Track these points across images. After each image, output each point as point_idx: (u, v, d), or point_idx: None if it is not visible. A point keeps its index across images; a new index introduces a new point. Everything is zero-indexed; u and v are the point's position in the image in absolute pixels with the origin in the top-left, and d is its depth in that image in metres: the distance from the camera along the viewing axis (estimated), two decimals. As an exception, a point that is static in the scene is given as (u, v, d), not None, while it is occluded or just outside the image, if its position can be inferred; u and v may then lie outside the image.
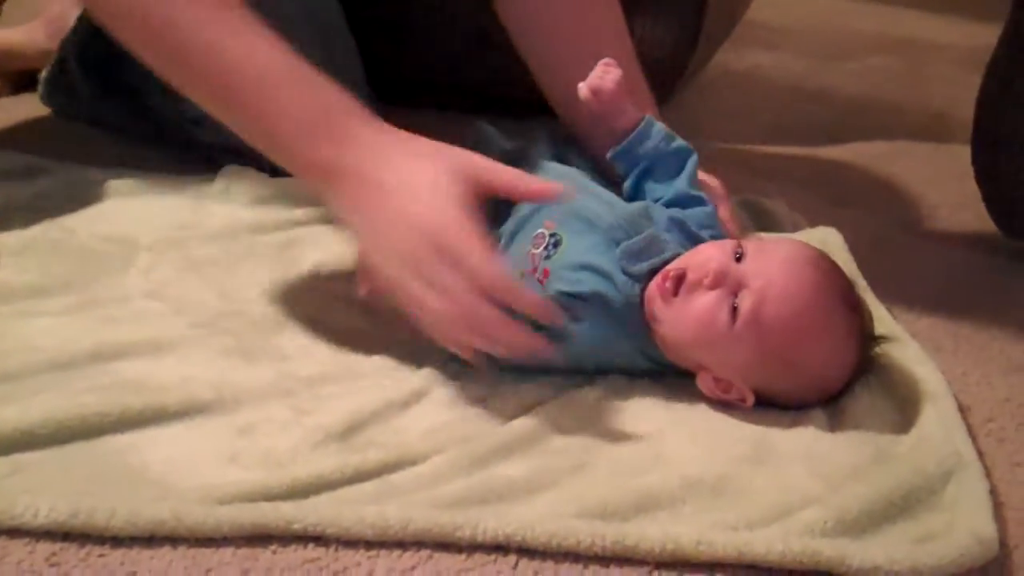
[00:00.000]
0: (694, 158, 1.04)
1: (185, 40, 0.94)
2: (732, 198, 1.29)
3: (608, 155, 1.05)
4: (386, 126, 0.95)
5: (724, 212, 1.06)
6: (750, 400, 0.93)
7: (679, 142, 1.05)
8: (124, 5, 0.97)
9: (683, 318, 0.92)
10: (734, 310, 0.90)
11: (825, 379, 0.94)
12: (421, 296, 0.88)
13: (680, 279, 0.92)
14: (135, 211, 1.24)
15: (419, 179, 0.90)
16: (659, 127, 1.05)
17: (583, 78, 1.03)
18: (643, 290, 0.94)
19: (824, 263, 0.95)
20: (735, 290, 0.91)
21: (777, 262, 0.92)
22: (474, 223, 0.88)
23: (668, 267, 0.94)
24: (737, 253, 0.93)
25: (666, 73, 1.57)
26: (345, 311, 1.06)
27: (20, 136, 1.48)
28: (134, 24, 0.97)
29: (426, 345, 0.95)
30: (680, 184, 1.03)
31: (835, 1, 2.54)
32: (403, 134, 0.95)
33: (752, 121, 1.73)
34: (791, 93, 1.91)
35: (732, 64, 1.97)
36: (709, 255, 0.93)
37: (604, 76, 1.01)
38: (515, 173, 0.94)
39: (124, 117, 1.48)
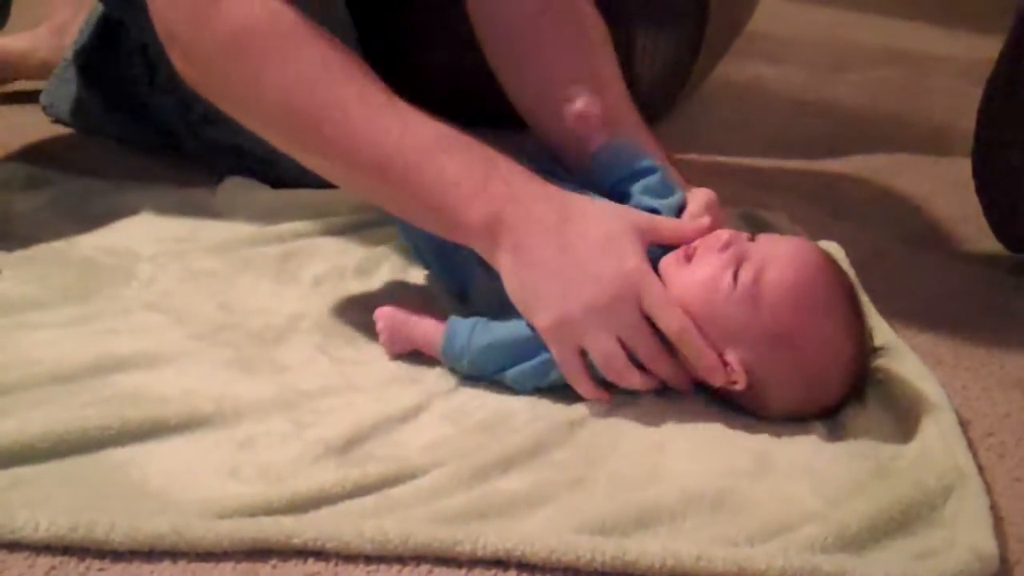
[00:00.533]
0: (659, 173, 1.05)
1: (336, 124, 0.93)
2: (732, 210, 1.30)
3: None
4: (541, 179, 0.97)
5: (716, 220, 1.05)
6: (742, 382, 0.93)
7: (648, 160, 1.05)
8: (267, 92, 0.94)
9: (691, 281, 0.93)
10: (736, 276, 0.92)
11: (822, 379, 0.93)
12: (604, 337, 0.92)
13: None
14: (136, 223, 1.25)
15: (600, 231, 0.94)
16: (623, 145, 1.06)
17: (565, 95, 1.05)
18: None
19: (832, 260, 0.96)
20: (741, 260, 0.92)
21: (786, 244, 0.96)
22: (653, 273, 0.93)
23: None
24: (749, 237, 0.95)
25: (668, 84, 1.58)
26: (345, 323, 1.06)
27: (22, 147, 1.48)
28: (277, 112, 0.95)
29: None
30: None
31: (836, 13, 2.54)
32: (556, 187, 0.97)
33: (753, 133, 1.73)
34: (792, 105, 1.91)
35: (733, 76, 1.97)
36: (723, 230, 0.96)
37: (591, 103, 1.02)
38: (674, 222, 0.99)
39: (126, 125, 1.48)
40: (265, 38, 0.93)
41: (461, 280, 1.06)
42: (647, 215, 0.98)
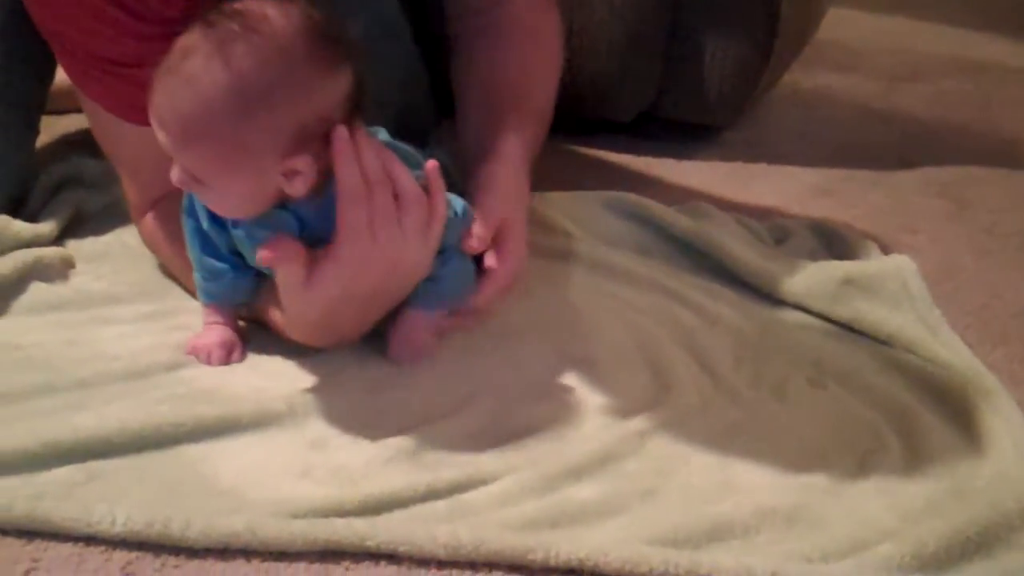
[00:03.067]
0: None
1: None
2: (802, 221, 1.29)
3: None
4: None
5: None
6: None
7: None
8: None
9: None
10: None
11: None
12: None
13: None
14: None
15: None
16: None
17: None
18: None
19: None
20: None
21: None
22: None
23: None
24: None
25: (736, 93, 1.57)
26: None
27: (92, 143, 1.50)
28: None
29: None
30: None
31: (905, 22, 2.51)
32: None
33: (821, 142, 1.71)
34: (860, 114, 1.89)
35: (801, 83, 1.95)
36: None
37: None
38: None
39: None
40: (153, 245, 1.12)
41: None
42: None
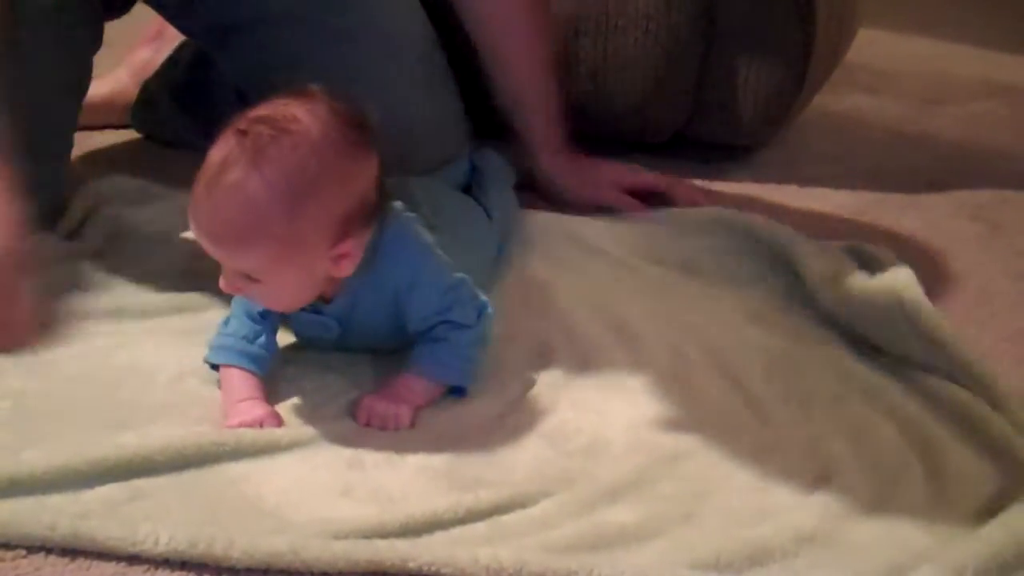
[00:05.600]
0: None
1: None
2: (836, 243, 1.29)
3: None
4: None
5: None
6: None
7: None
8: None
9: None
10: None
11: None
12: None
13: None
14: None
15: None
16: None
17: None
18: None
19: None
20: None
21: None
22: None
23: None
24: None
25: (770, 116, 1.57)
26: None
27: (128, 160, 1.51)
28: None
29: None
30: None
31: (935, 44, 2.50)
32: None
33: (852, 165, 1.71)
34: (891, 137, 1.88)
35: (831, 105, 1.95)
36: None
37: None
38: None
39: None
40: None
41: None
42: None
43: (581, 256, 1.27)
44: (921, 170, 1.71)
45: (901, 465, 0.93)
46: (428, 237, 1.00)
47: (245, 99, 1.41)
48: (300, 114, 0.89)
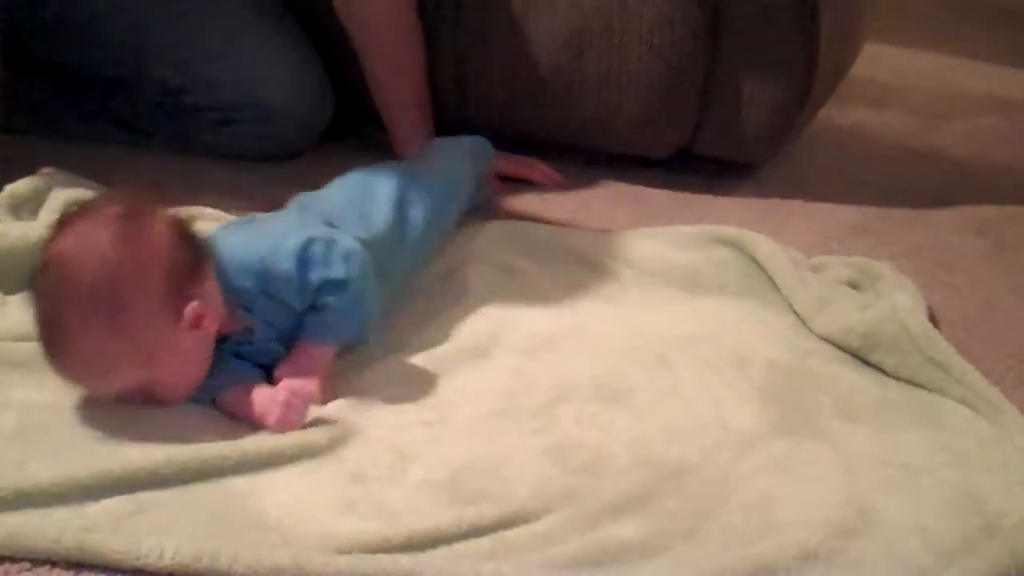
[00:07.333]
0: None
1: None
2: (839, 259, 1.30)
3: None
4: None
5: None
6: None
7: None
8: None
9: None
10: None
11: None
12: None
13: None
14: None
15: None
16: None
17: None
18: None
19: None
20: None
21: None
22: None
23: None
24: None
25: (773, 132, 1.57)
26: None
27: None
28: None
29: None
30: None
31: (940, 58, 2.51)
32: None
33: (857, 179, 1.71)
34: (896, 152, 1.89)
35: (836, 120, 1.95)
36: None
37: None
38: None
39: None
40: None
41: None
42: None
43: (590, 276, 1.28)
44: (927, 185, 1.71)
45: (904, 483, 0.93)
46: (249, 230, 1.05)
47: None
48: (73, 240, 0.90)
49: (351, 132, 1.57)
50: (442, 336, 1.11)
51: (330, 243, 1.00)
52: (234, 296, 0.98)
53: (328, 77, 1.56)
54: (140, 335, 0.90)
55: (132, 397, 0.93)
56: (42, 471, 0.83)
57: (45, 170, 1.29)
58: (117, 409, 0.93)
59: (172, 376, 0.94)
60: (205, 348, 0.96)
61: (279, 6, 1.57)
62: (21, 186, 1.25)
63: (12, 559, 0.77)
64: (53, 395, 0.94)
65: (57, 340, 0.89)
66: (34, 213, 1.15)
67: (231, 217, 1.24)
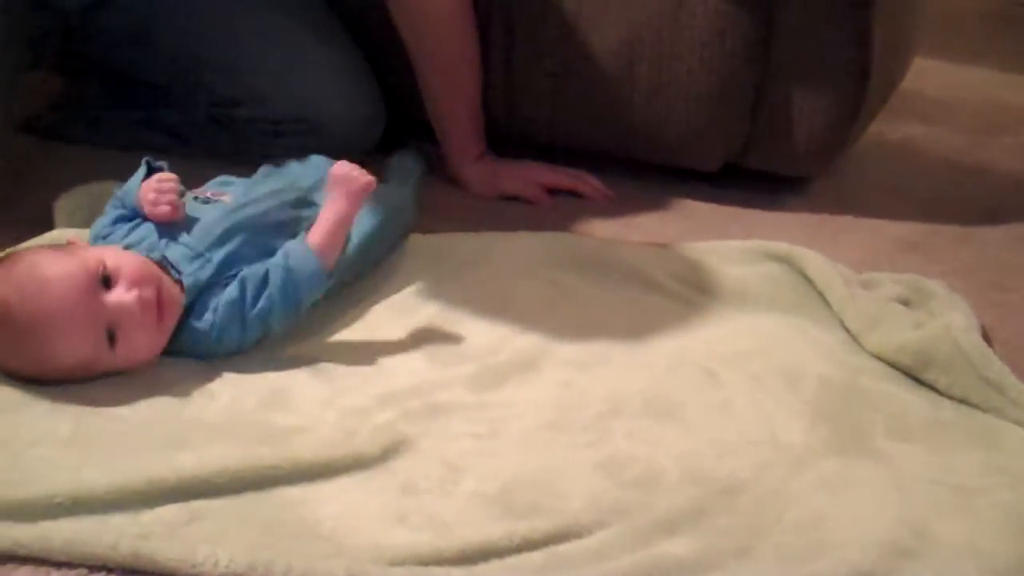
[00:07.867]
0: None
1: None
2: (890, 275, 1.29)
3: None
4: None
5: None
6: None
7: None
8: None
9: None
10: None
11: None
12: None
13: None
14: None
15: None
16: None
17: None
18: None
19: None
20: None
21: None
22: None
23: None
24: None
25: (825, 147, 1.56)
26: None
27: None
28: None
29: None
30: None
31: (989, 73, 2.48)
32: None
33: (907, 195, 1.70)
34: (946, 167, 1.87)
35: (886, 134, 1.93)
36: None
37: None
38: None
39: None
40: None
41: None
42: None
43: (631, 284, 1.27)
44: (977, 201, 1.69)
45: (958, 504, 0.92)
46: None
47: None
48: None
49: (401, 143, 1.57)
50: (491, 349, 1.10)
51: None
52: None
53: (381, 90, 1.56)
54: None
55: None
56: (98, 478, 0.84)
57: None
58: (172, 416, 0.94)
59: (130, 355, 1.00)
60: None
61: (333, 18, 1.58)
62: (76, 194, 1.27)
63: (69, 564, 0.78)
64: (108, 401, 0.95)
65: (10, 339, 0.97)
66: (88, 222, 1.17)
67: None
